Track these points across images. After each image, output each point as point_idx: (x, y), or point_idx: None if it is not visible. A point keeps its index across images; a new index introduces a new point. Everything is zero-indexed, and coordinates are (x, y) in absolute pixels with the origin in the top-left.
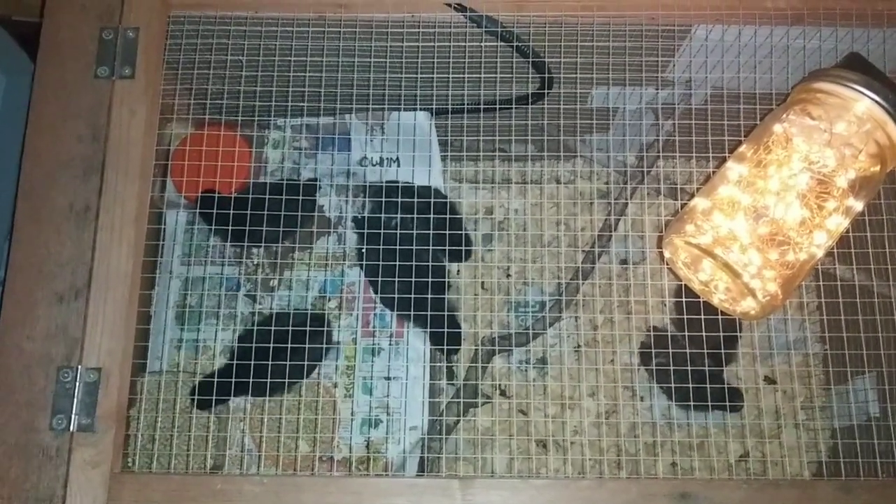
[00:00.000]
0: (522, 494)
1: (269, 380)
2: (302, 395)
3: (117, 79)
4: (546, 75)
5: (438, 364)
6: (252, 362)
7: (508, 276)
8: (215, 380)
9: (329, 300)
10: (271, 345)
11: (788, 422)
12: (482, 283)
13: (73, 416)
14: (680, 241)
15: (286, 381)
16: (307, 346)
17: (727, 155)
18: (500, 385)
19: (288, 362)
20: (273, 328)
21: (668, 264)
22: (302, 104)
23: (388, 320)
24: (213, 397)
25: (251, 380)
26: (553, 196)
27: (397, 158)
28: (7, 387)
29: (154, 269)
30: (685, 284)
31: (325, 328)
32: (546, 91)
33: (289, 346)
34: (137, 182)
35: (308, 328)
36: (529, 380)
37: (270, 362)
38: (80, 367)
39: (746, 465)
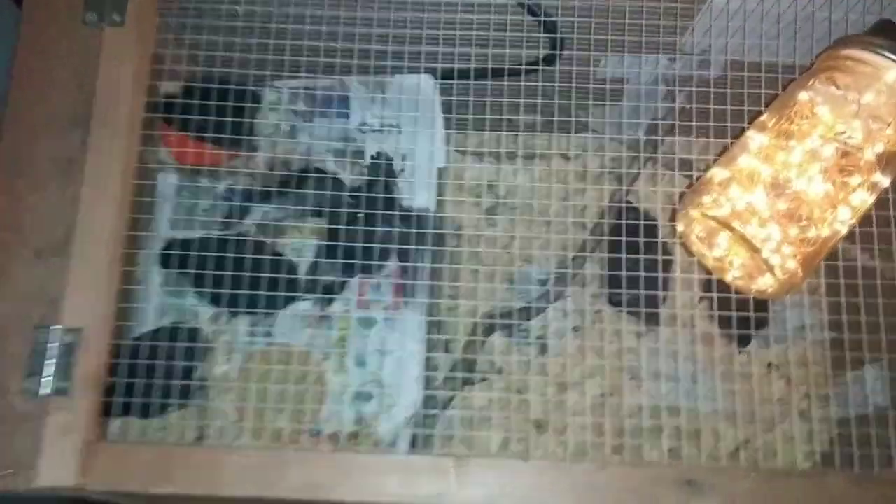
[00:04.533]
0: (520, 476)
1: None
2: (291, 364)
3: (107, 26)
4: (558, 36)
5: (436, 335)
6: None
7: (509, 252)
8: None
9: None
10: None
11: (791, 410)
12: (482, 255)
13: (48, 379)
14: (696, 214)
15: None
16: None
17: (746, 126)
18: (496, 363)
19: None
20: None
21: (680, 238)
22: (300, 58)
23: (384, 292)
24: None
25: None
26: (560, 169)
27: (398, 124)
28: None
29: (145, 230)
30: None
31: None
32: (559, 52)
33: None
34: (125, 137)
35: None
36: (528, 358)
37: None
38: (58, 327)
39: (746, 454)
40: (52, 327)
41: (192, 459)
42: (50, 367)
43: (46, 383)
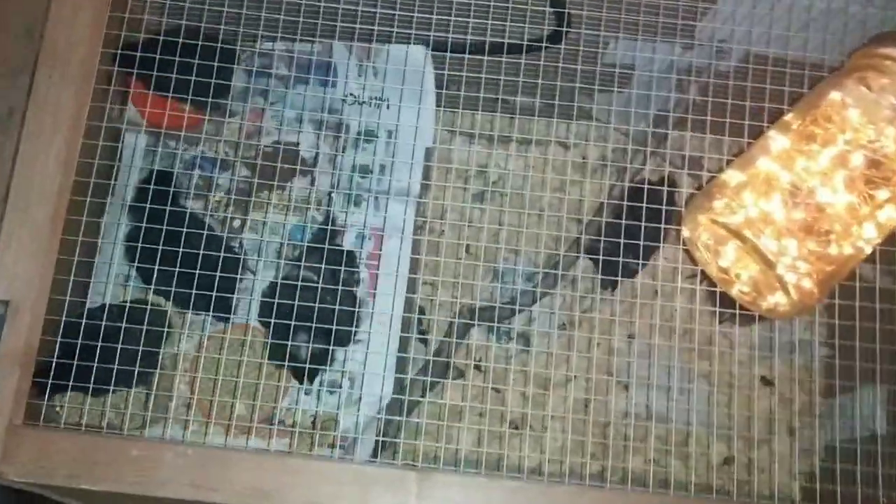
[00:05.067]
0: (490, 494)
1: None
2: (246, 356)
3: None
4: (566, 10)
5: (409, 334)
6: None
7: (496, 241)
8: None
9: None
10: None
11: (782, 428)
12: (467, 246)
13: None
14: (705, 219)
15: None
16: None
17: (766, 125)
18: (475, 359)
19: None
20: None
21: (684, 244)
22: (278, 16)
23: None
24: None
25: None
26: (556, 158)
27: (386, 98)
28: None
29: (105, 194)
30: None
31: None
32: (565, 29)
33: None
34: (74, 88)
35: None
36: (508, 357)
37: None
38: None
39: (734, 469)
40: None
41: (126, 453)
42: None
43: None
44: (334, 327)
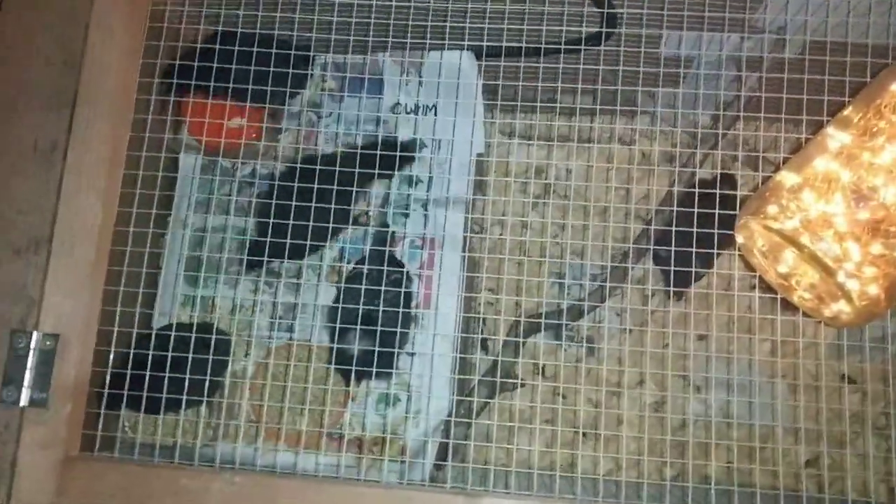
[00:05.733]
0: None
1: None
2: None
3: None
4: (606, 10)
5: (471, 336)
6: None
7: (557, 243)
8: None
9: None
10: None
11: (866, 429)
12: (526, 249)
13: (24, 389)
14: (758, 225)
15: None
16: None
17: (826, 119)
18: (536, 365)
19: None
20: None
21: (739, 251)
22: (330, 36)
23: (415, 288)
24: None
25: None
26: (608, 158)
27: (434, 106)
28: None
29: (157, 221)
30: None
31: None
32: (604, 29)
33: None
34: (111, 118)
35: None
36: (569, 361)
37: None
38: (35, 332)
39: (810, 474)
40: (29, 332)
41: (175, 482)
42: (27, 376)
43: (23, 393)
44: (372, 348)
